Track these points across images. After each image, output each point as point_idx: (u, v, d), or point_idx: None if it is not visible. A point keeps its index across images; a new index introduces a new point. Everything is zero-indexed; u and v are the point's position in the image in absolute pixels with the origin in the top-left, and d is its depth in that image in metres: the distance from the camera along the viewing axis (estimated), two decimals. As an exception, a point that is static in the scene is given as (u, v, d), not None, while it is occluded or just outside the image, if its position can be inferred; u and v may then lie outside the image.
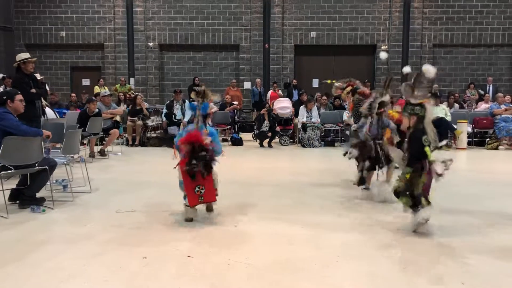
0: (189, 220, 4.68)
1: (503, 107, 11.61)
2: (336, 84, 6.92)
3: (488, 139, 11.45)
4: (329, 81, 6.90)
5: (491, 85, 15.76)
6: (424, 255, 3.78)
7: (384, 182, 5.73)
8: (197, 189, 4.52)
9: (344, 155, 6.09)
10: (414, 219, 4.29)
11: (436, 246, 4.01)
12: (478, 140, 11.76)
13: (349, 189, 6.29)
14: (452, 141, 10.98)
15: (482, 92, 15.14)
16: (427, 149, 4.15)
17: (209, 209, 4.92)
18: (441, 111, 11.61)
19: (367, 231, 4.44)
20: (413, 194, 4.24)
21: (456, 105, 13.47)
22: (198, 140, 4.45)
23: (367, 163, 5.79)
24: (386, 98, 5.63)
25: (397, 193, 4.37)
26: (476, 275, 3.38)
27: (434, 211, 4.29)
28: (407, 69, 5.33)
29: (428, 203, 4.22)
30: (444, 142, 4.31)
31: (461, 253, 3.83)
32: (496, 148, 11.06)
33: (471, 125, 11.61)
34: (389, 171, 5.77)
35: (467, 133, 11.24)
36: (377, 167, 5.82)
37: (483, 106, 13.22)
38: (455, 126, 10.83)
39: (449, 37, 17.29)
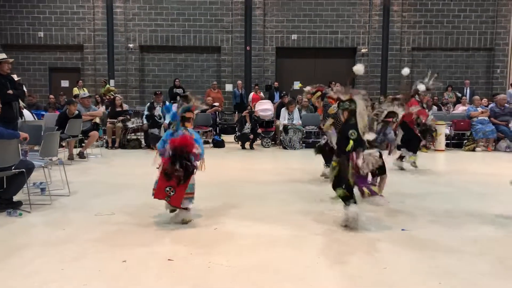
0: (187, 222, 4.65)
1: (479, 109, 11.84)
2: (306, 89, 7.02)
3: (466, 141, 11.66)
4: (299, 85, 6.94)
5: (468, 88, 16.08)
6: (405, 256, 3.83)
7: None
8: (167, 188, 4.52)
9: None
10: (345, 213, 4.49)
11: (417, 247, 4.06)
12: (456, 142, 11.97)
13: (331, 191, 6.33)
14: (431, 143, 11.15)
15: (459, 95, 15.43)
16: (350, 142, 4.41)
17: (172, 210, 4.78)
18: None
19: (349, 232, 4.48)
20: (349, 187, 4.48)
21: (435, 107, 13.69)
22: (189, 147, 4.46)
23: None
24: (397, 109, 5.58)
25: (333, 185, 4.60)
26: (454, 274, 3.43)
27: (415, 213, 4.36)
28: (406, 71, 5.47)
29: (352, 198, 4.48)
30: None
31: (438, 252, 3.89)
32: (473, 150, 11.27)
33: (449, 127, 11.81)
34: (381, 182, 5.61)
35: (445, 135, 11.43)
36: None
37: (460, 109, 13.47)
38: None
39: (427, 41, 17.59)
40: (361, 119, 4.51)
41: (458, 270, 3.51)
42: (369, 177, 4.98)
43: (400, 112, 5.65)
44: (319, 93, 6.82)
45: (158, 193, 4.60)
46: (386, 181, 5.59)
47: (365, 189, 4.61)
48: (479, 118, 11.58)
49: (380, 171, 5.45)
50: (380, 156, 5.48)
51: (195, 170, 4.60)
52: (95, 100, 13.50)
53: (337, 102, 4.78)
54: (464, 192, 6.42)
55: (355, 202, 4.47)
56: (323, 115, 7.01)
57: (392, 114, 5.57)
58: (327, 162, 6.87)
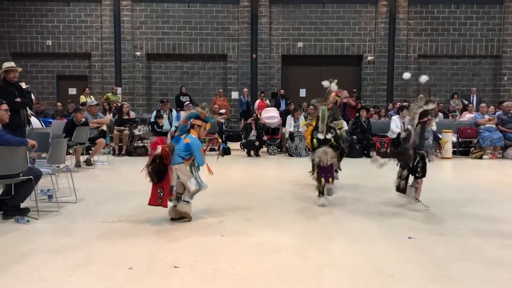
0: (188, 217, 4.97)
1: (486, 117, 11.78)
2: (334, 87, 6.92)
3: (473, 149, 11.60)
4: (336, 81, 6.90)
5: (475, 95, 16.01)
6: (409, 263, 3.81)
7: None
8: (159, 190, 4.82)
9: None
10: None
11: (422, 254, 4.04)
12: (462, 149, 11.91)
13: (335, 198, 6.33)
14: (438, 150, 11.11)
15: (466, 102, 15.37)
16: (314, 141, 5.88)
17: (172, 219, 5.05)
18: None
19: (353, 240, 4.47)
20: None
21: (441, 115, 13.65)
22: (159, 150, 4.76)
23: (405, 172, 5.74)
24: (430, 106, 5.60)
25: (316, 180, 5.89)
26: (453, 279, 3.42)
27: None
28: (407, 75, 5.63)
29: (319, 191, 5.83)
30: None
31: (444, 260, 3.88)
32: (481, 158, 11.19)
33: (455, 135, 11.76)
34: (419, 185, 5.74)
35: (452, 143, 11.38)
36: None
37: (467, 116, 13.41)
38: (440, 136, 10.96)
39: (433, 48, 17.57)
40: (321, 123, 5.82)
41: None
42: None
43: (431, 107, 5.62)
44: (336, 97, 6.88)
45: (151, 199, 4.88)
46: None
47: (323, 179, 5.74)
48: (486, 125, 11.52)
49: (420, 174, 5.57)
50: (423, 158, 5.55)
51: (167, 172, 4.80)
52: (103, 107, 13.59)
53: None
54: (469, 198, 6.38)
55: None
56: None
57: (425, 113, 5.58)
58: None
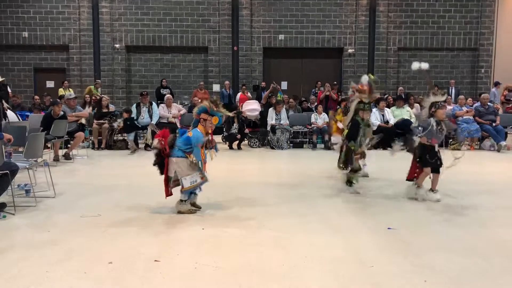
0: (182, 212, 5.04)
1: (464, 109, 11.97)
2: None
3: (451, 140, 11.78)
4: (372, 76, 6.85)
5: (453, 88, 16.23)
6: (389, 254, 3.85)
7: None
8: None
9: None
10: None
11: (400, 245, 4.09)
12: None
13: (317, 190, 6.37)
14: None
15: (445, 95, 15.55)
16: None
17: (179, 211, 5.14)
18: (406, 112, 11.92)
19: (334, 232, 4.50)
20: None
21: (417, 106, 13.77)
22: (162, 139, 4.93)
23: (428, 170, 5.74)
24: (440, 98, 5.69)
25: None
26: (439, 272, 3.47)
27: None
28: (416, 65, 5.80)
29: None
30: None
31: (423, 251, 3.93)
32: (458, 149, 11.37)
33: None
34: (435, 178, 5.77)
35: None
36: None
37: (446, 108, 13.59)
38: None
39: (413, 41, 17.73)
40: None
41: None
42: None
43: (441, 98, 5.70)
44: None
45: (166, 191, 5.07)
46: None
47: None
48: (464, 117, 11.71)
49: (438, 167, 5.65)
50: (425, 150, 5.62)
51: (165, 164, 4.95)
52: (84, 100, 13.37)
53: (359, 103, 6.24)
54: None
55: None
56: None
57: (433, 104, 5.68)
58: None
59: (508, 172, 8.39)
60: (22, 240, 4.25)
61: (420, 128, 5.68)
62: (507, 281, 3.37)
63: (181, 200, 5.08)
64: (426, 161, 5.65)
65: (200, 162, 5.01)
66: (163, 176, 5.04)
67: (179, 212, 5.06)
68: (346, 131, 6.62)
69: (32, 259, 3.70)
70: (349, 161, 6.21)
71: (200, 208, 5.19)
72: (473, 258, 3.78)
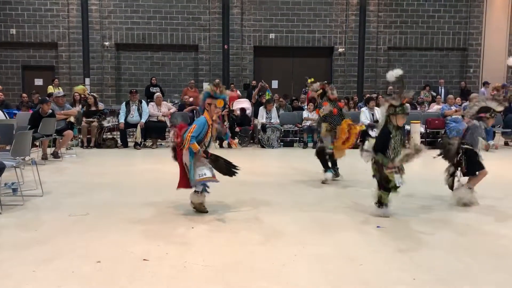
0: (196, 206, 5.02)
1: (453, 108, 12.07)
2: (313, 86, 6.99)
3: (440, 139, 11.86)
4: (309, 80, 6.95)
5: (442, 87, 16.36)
6: (378, 252, 3.87)
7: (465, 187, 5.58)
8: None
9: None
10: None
11: (391, 243, 4.11)
12: (430, 140, 12.16)
13: (306, 188, 6.38)
14: (406, 141, 11.29)
15: (434, 94, 15.69)
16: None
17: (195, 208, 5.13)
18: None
19: (323, 229, 4.51)
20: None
21: (407, 105, 13.85)
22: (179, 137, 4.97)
23: (452, 168, 5.63)
24: (492, 104, 5.48)
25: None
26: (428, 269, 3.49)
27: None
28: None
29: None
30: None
31: (412, 249, 3.95)
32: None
33: (423, 126, 12.00)
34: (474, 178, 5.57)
35: (420, 133, 11.60)
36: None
37: (435, 107, 13.70)
38: (408, 127, 11.16)
39: (403, 40, 17.82)
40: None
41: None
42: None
43: (497, 107, 5.49)
44: (320, 91, 6.86)
45: (180, 182, 5.04)
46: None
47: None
48: (453, 116, 11.80)
49: (465, 170, 5.48)
50: (475, 154, 5.44)
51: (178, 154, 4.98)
52: (74, 98, 13.24)
53: (389, 107, 5.06)
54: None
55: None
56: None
57: (485, 109, 5.50)
58: (325, 167, 6.91)
59: (495, 171, 8.45)
60: (9, 239, 4.20)
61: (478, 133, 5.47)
62: (494, 278, 3.40)
63: (196, 191, 5.01)
64: (481, 163, 5.48)
65: (192, 163, 4.93)
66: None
67: (191, 203, 5.04)
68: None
69: (19, 258, 3.66)
70: (376, 177, 4.97)
71: (207, 211, 5.07)
72: (462, 257, 3.80)
